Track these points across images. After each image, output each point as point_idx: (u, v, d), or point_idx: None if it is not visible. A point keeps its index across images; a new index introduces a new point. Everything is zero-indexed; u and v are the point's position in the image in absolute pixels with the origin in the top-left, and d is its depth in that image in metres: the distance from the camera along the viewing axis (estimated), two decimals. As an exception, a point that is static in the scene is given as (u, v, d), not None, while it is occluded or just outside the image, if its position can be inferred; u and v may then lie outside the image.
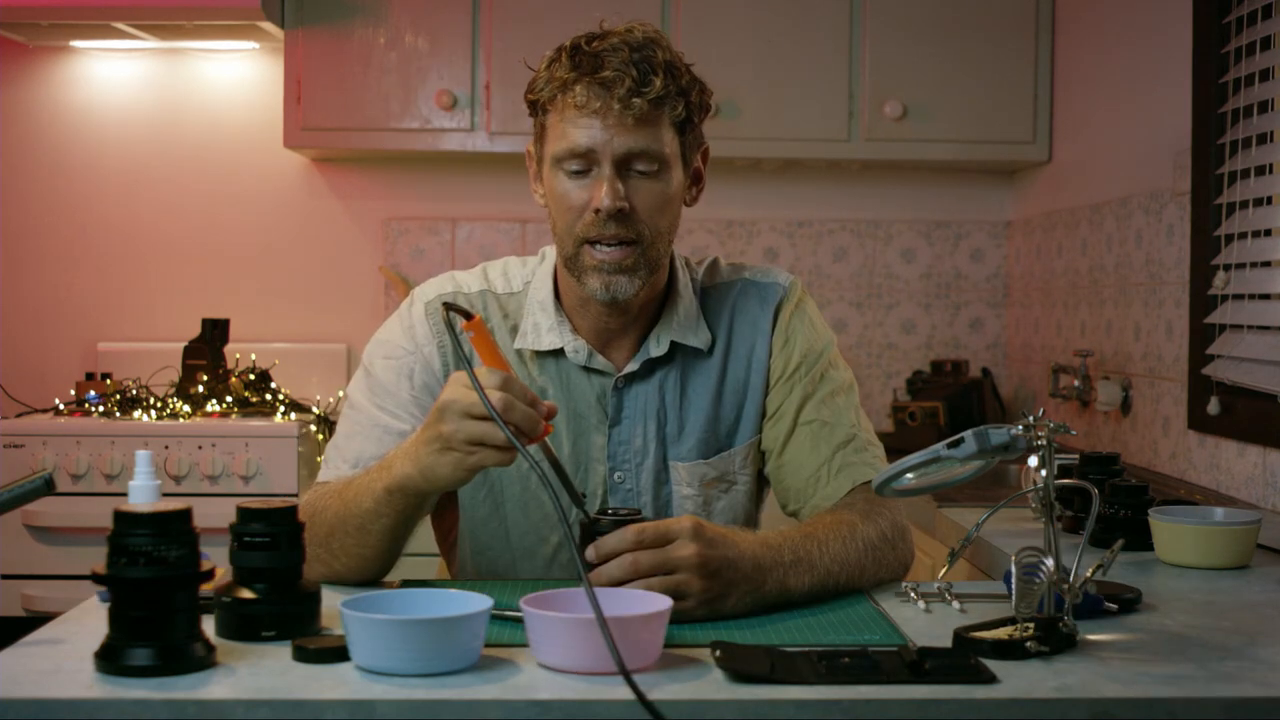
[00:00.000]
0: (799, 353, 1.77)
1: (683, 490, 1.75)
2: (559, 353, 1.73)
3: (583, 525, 1.47)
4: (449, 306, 1.48)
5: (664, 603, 1.29)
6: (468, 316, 1.47)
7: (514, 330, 1.75)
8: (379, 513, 1.54)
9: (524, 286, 1.78)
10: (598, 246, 1.64)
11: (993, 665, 1.26)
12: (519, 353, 1.74)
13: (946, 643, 1.34)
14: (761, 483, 1.84)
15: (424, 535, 2.09)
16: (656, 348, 1.74)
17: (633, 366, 1.74)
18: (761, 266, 1.84)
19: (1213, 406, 2.53)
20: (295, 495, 3.29)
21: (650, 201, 1.64)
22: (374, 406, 1.72)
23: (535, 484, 1.72)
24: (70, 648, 1.31)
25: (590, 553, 1.43)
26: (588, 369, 1.74)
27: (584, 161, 1.63)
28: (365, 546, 1.58)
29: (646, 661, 1.25)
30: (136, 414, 3.36)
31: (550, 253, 1.78)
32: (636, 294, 1.67)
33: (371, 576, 1.63)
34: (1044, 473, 1.39)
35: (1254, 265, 2.48)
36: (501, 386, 1.41)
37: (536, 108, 1.69)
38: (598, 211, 1.62)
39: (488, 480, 1.75)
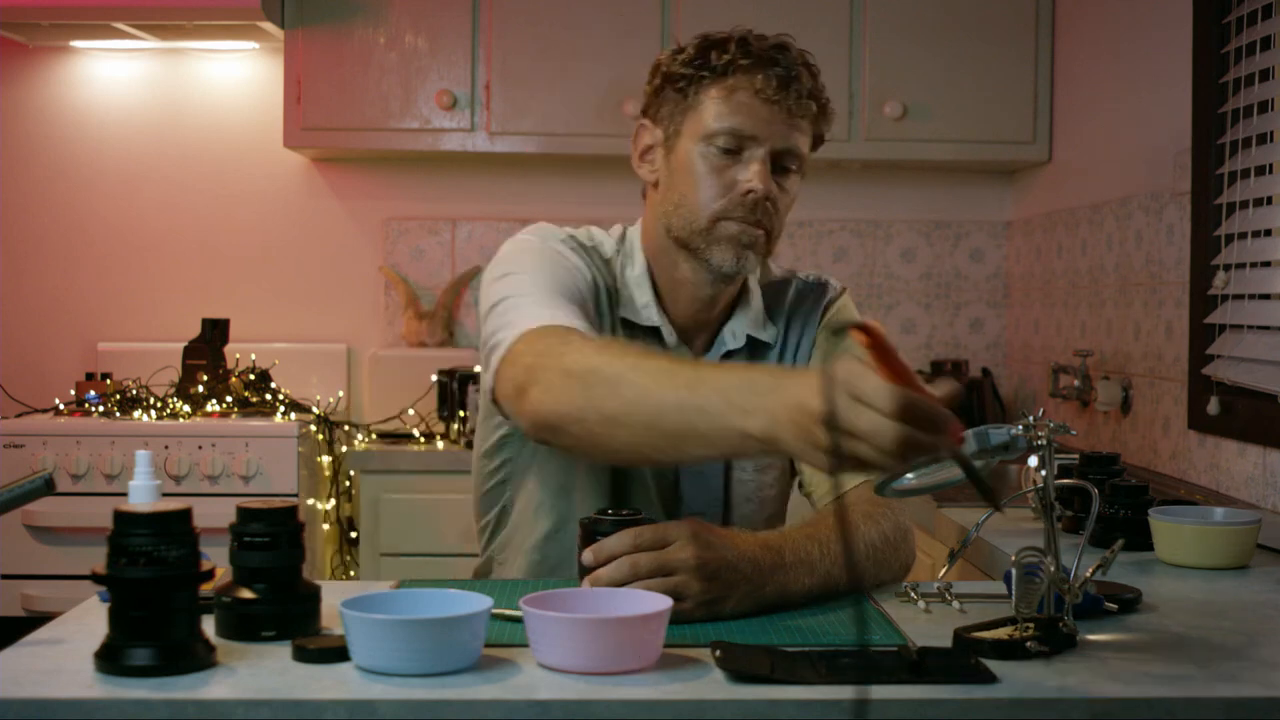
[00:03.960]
0: (836, 351, 1.78)
1: (740, 475, 1.80)
2: (655, 330, 1.76)
3: (583, 526, 1.48)
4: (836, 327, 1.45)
5: (664, 602, 1.29)
6: (860, 327, 1.24)
7: (608, 292, 1.75)
8: (707, 442, 1.35)
9: (613, 254, 1.79)
10: (738, 221, 1.67)
11: (993, 665, 1.26)
12: (622, 322, 1.75)
13: (946, 643, 1.34)
14: (793, 467, 1.88)
15: (423, 535, 2.11)
16: (733, 340, 1.80)
17: (711, 356, 1.79)
18: (812, 271, 1.93)
19: (1213, 406, 2.53)
20: (295, 495, 3.29)
21: (785, 198, 1.71)
22: (547, 274, 1.64)
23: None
24: (70, 648, 1.31)
25: (588, 556, 1.44)
26: (672, 349, 1.77)
27: (740, 142, 1.67)
28: (648, 445, 1.41)
29: (646, 662, 1.25)
30: (136, 414, 3.36)
31: (632, 234, 1.80)
32: (753, 271, 1.73)
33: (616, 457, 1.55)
34: (1044, 473, 1.39)
35: (1254, 265, 2.48)
36: (904, 412, 1.18)
37: (682, 81, 1.70)
38: (747, 193, 1.66)
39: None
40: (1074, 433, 1.75)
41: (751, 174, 1.66)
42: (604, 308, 1.73)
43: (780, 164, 1.69)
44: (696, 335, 1.80)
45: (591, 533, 1.46)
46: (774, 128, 1.66)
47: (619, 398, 1.39)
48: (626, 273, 1.77)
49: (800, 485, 1.84)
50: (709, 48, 1.70)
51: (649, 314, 1.75)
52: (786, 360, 1.83)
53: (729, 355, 1.80)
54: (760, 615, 1.48)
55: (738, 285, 1.79)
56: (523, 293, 1.60)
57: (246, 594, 1.35)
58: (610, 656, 1.23)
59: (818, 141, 1.75)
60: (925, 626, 1.44)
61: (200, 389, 3.47)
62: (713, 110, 1.68)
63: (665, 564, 1.42)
